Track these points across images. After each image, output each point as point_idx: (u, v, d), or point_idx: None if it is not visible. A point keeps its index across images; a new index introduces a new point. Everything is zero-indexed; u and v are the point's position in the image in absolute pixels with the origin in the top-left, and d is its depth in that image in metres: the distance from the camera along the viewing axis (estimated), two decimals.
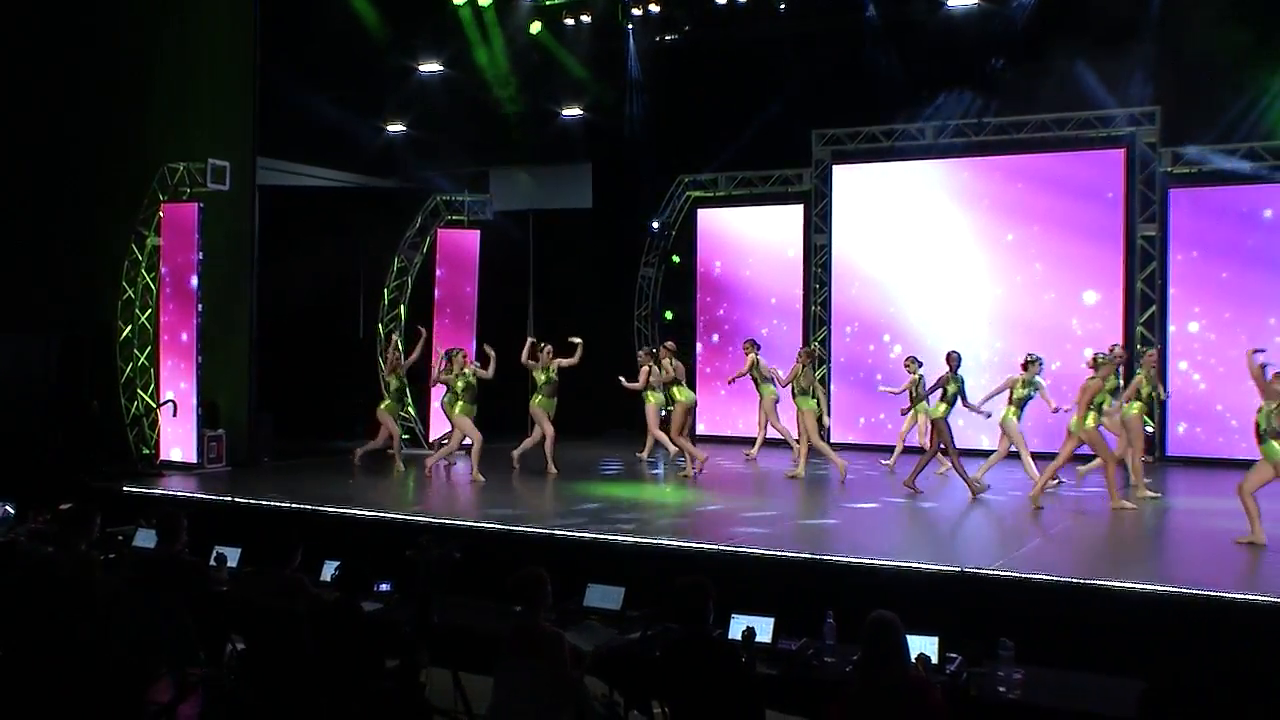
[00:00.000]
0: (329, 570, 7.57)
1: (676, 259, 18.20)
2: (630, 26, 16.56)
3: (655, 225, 17.99)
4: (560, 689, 5.69)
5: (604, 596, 6.53)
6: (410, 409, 15.74)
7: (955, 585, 7.22)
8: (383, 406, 13.40)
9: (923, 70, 15.65)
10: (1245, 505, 8.83)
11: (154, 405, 13.26)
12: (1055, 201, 15.29)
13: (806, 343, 16.79)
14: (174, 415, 12.75)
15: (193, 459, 12.84)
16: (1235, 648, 6.40)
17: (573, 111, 17.96)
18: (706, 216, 17.73)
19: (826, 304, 16.83)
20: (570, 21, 16.70)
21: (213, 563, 7.79)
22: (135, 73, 13.91)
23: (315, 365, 15.83)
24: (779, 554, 8.01)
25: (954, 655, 5.66)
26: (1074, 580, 7.11)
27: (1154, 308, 14.83)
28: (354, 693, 5.70)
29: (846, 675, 5.71)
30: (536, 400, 13.14)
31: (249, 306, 13.46)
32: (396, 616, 6.37)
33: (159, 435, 13.15)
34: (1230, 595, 6.76)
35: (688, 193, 17.90)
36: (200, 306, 12.81)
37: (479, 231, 15.83)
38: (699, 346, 17.71)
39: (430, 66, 16.61)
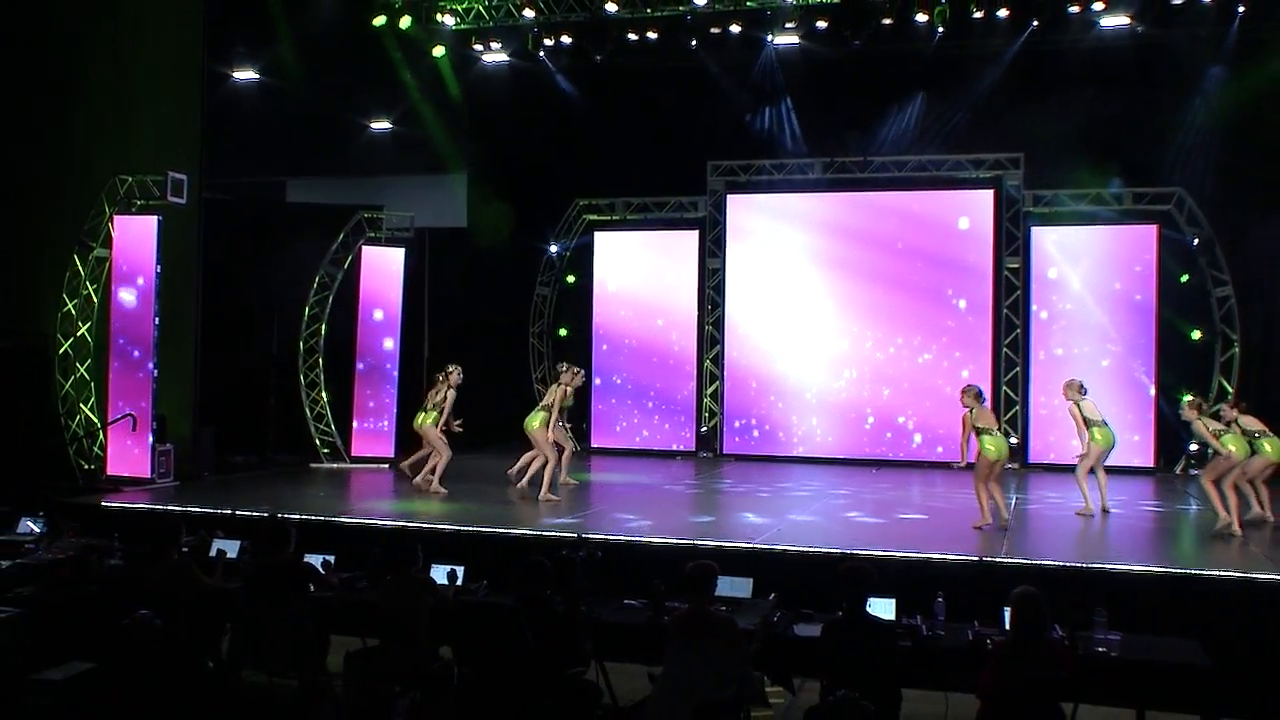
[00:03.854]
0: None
1: (573, 278, 18.98)
2: (541, 54, 17.20)
3: (554, 249, 18.74)
4: (731, 666, 6.46)
5: (733, 586, 7.34)
6: (331, 425, 15.94)
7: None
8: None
9: (814, 109, 17.13)
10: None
11: (96, 419, 13.01)
12: (930, 235, 17.00)
13: (701, 362, 17.96)
14: (134, 429, 12.58)
15: (146, 473, 12.71)
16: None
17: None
18: (603, 239, 18.58)
19: (719, 323, 18.00)
20: (479, 48, 17.28)
21: None
22: (70, 82, 13.60)
23: (231, 380, 15.71)
24: (892, 553, 9.05)
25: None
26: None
27: (1018, 331, 16.72)
28: (561, 681, 6.33)
29: (967, 645, 6.75)
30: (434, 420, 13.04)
31: (194, 320, 13.42)
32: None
33: (106, 449, 12.92)
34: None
35: (584, 216, 18.73)
36: (157, 320, 12.71)
37: (404, 249, 16.13)
38: (594, 365, 18.48)
39: (247, 75, 16.67)
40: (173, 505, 11.19)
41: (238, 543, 8.54)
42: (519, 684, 6.18)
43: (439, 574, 7.95)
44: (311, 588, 7.67)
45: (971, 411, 10.98)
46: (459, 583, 7.62)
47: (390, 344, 16.03)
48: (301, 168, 18.38)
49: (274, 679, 7.72)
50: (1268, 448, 11.00)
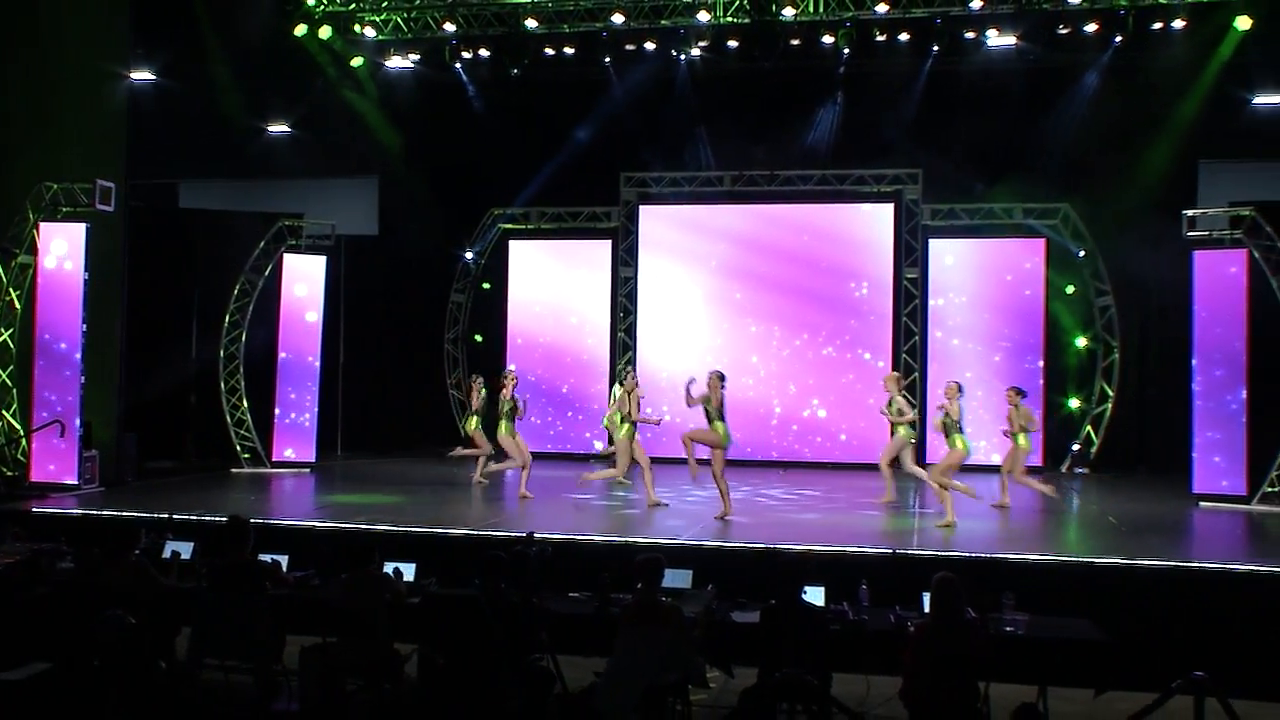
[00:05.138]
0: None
1: (487, 285, 19.36)
2: (458, 65, 17.50)
3: (469, 255, 19.12)
4: (677, 650, 6.99)
5: (674, 578, 7.88)
6: (252, 430, 16.08)
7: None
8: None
9: (725, 124, 17.82)
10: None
11: (19, 426, 13.02)
12: (833, 246, 17.83)
13: (614, 367, 18.49)
14: (62, 436, 12.62)
15: (71, 479, 12.77)
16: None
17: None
18: (518, 247, 19.02)
19: (631, 330, 18.57)
20: (397, 59, 17.56)
21: None
22: None
23: (151, 385, 15.75)
24: (818, 546, 9.70)
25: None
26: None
27: (916, 338, 17.62)
28: (519, 666, 6.80)
29: (890, 627, 7.39)
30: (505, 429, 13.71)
31: (118, 326, 13.50)
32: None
33: (30, 456, 12.93)
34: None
35: (499, 225, 19.13)
36: (85, 326, 12.78)
37: (325, 257, 16.34)
38: (510, 369, 18.86)
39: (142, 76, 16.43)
40: (108, 510, 11.35)
41: (192, 544, 8.78)
42: (483, 669, 6.63)
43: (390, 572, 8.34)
44: (269, 586, 8.02)
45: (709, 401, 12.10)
46: (411, 579, 8.02)
47: (311, 351, 16.23)
48: (196, 170, 18.33)
49: (230, 676, 8.04)
50: (959, 443, 11.98)
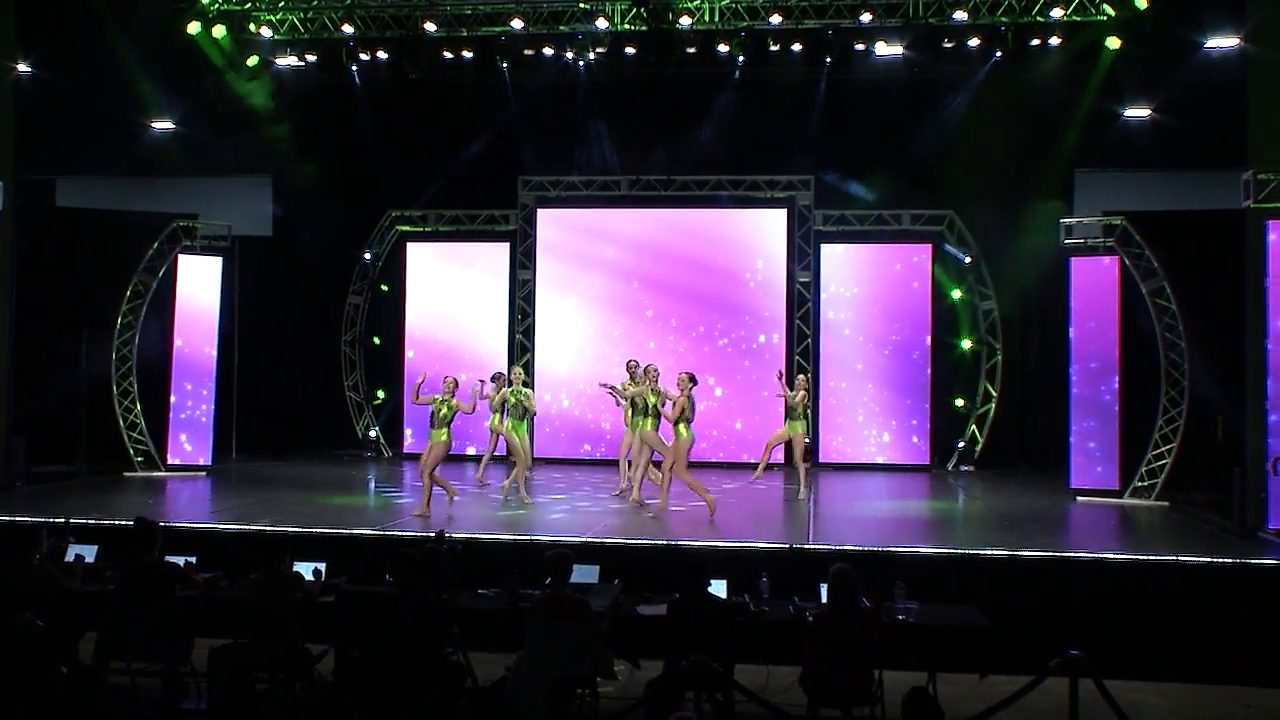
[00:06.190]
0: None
1: (386, 287, 19.33)
2: (355, 68, 17.42)
3: (367, 256, 19.08)
4: (585, 643, 7.22)
5: (581, 574, 8.08)
6: (145, 433, 15.84)
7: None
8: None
9: (623, 128, 18.11)
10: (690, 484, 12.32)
11: None
12: (728, 249, 18.24)
13: (511, 368, 18.57)
14: None
15: None
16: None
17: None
18: (415, 250, 19.02)
19: (529, 332, 18.72)
20: (295, 59, 17.41)
21: None
22: None
23: (39, 388, 15.41)
24: (719, 543, 9.93)
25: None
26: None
27: (809, 340, 18.11)
28: (432, 660, 6.95)
29: (789, 617, 7.72)
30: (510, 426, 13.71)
31: (7, 328, 13.21)
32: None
33: None
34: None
35: (396, 226, 19.12)
36: None
37: (221, 258, 16.16)
38: (405, 372, 18.89)
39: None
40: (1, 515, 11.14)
41: (95, 548, 8.72)
42: (397, 663, 6.78)
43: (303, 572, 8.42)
44: (178, 587, 8.02)
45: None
46: (323, 579, 8.11)
47: (208, 343, 16.06)
48: (76, 167, 17.94)
49: (136, 678, 8.01)
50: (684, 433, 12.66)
